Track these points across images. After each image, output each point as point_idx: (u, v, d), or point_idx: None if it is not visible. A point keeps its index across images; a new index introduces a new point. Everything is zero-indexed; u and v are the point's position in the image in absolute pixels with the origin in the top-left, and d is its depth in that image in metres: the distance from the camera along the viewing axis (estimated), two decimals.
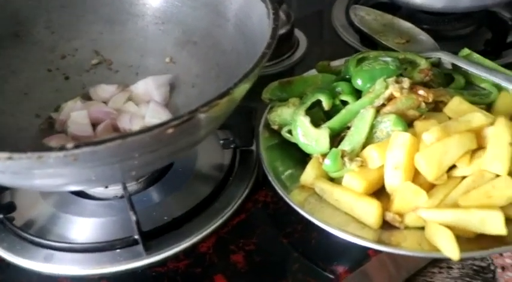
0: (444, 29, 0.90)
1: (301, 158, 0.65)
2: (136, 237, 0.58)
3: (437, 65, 0.75)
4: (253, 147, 0.69)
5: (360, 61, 0.68)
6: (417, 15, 0.90)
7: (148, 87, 0.70)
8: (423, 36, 0.81)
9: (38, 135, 0.67)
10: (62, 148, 0.42)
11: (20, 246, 0.60)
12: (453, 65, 0.74)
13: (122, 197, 0.63)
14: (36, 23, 0.72)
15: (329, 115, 0.65)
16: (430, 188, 0.58)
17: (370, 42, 0.85)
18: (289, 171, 0.64)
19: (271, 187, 0.62)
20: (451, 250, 0.52)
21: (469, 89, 0.72)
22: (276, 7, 0.59)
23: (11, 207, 0.63)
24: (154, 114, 0.66)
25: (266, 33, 0.56)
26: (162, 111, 0.67)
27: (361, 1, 0.98)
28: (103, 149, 0.43)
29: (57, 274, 0.59)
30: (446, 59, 0.74)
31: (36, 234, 0.61)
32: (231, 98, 0.48)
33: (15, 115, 0.67)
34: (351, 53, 0.72)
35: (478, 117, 0.59)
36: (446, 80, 0.72)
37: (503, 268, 0.66)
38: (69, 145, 0.42)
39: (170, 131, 0.45)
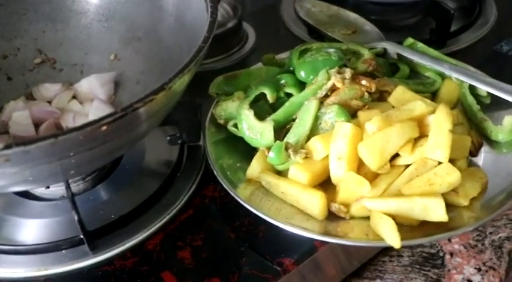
0: (391, 19, 0.91)
1: (248, 152, 0.65)
2: (81, 236, 0.57)
3: (382, 55, 0.76)
4: (201, 143, 0.69)
5: (303, 53, 0.68)
6: (364, 6, 0.91)
7: (92, 85, 0.70)
8: (368, 26, 0.81)
9: None
10: None
11: None
12: (398, 54, 0.75)
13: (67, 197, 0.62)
14: None
15: (274, 108, 0.65)
16: (374, 177, 0.58)
17: (319, 35, 0.85)
18: (236, 166, 0.64)
19: (218, 182, 0.62)
20: (392, 238, 0.53)
21: (414, 78, 0.73)
22: (214, 1, 0.59)
23: None
24: (97, 112, 0.66)
25: (205, 26, 0.56)
26: (106, 108, 0.67)
27: None
28: (35, 148, 0.42)
29: (1, 277, 0.58)
30: (391, 48, 0.75)
31: None
32: (167, 93, 0.48)
33: None
34: (298, 43, 0.72)
35: (420, 105, 0.60)
36: (392, 69, 0.73)
37: (451, 254, 0.67)
38: None
39: (104, 128, 0.44)
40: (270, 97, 0.64)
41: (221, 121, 0.67)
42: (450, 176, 0.56)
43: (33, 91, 0.71)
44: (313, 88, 0.62)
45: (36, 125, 0.66)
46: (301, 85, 0.65)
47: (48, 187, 0.62)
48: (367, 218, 0.57)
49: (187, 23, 0.63)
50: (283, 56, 0.74)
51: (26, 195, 0.64)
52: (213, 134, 0.67)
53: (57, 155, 0.45)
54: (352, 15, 0.84)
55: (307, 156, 0.60)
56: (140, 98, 0.46)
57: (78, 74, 0.73)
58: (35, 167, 0.46)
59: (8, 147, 0.42)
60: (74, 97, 0.70)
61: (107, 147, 0.50)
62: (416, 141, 0.59)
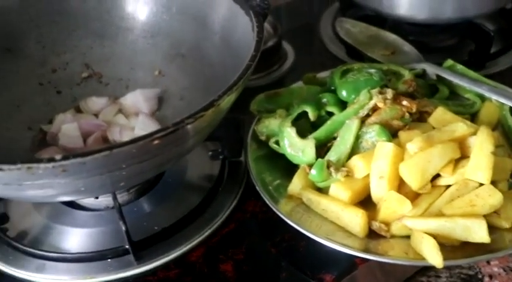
0: (429, 40, 0.92)
1: (288, 168, 0.66)
2: (126, 247, 0.59)
3: (422, 75, 0.76)
4: (242, 158, 0.70)
5: (344, 73, 0.69)
6: (403, 27, 0.91)
7: (137, 99, 0.72)
8: (407, 47, 0.82)
9: (31, 147, 0.69)
10: (50, 159, 0.43)
11: (13, 256, 0.61)
12: (437, 75, 0.75)
13: (113, 207, 0.64)
14: (28, 38, 0.73)
15: (315, 126, 0.66)
16: (415, 197, 0.59)
17: (357, 54, 0.86)
18: (277, 182, 0.65)
19: (259, 197, 0.63)
20: (435, 258, 0.53)
21: (454, 99, 0.73)
22: (261, 20, 0.60)
23: (3, 218, 0.64)
24: (143, 126, 0.68)
25: (251, 46, 0.57)
26: (151, 123, 0.69)
27: (348, 14, 1.00)
28: (91, 160, 0.44)
29: None
30: (431, 70, 0.76)
31: (29, 245, 0.62)
32: (216, 109, 0.50)
33: (8, 127, 0.69)
34: (338, 64, 0.73)
35: (461, 127, 0.61)
36: (431, 90, 0.74)
37: (490, 277, 0.67)
38: (58, 156, 0.43)
39: (156, 142, 0.46)
40: (312, 115, 0.65)
41: (263, 138, 0.69)
42: (492, 197, 0.56)
43: (81, 104, 0.73)
44: (355, 107, 0.63)
45: (84, 137, 0.68)
46: (342, 104, 0.67)
47: (97, 197, 0.64)
48: (408, 237, 0.58)
49: (233, 42, 0.65)
50: (323, 75, 0.75)
51: (71, 204, 0.66)
52: (254, 150, 0.68)
53: (110, 167, 0.47)
54: (391, 36, 0.84)
55: (348, 175, 0.61)
56: (191, 114, 0.48)
57: (124, 89, 0.75)
58: (88, 177, 0.48)
59: (65, 158, 0.43)
60: (120, 111, 0.73)
61: (156, 161, 0.51)
62: (457, 162, 0.59)
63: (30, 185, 0.47)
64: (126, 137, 0.67)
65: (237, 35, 0.64)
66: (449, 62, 0.77)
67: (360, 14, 0.98)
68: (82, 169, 0.45)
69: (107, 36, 0.76)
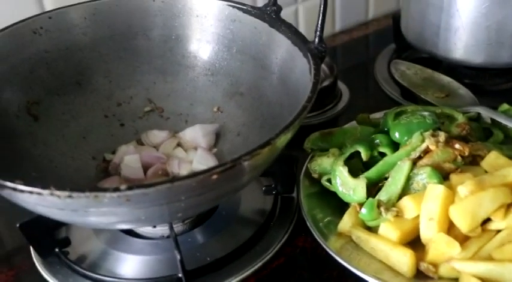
0: (485, 83, 0.93)
1: (339, 206, 0.68)
2: (180, 275, 0.61)
3: (476, 119, 0.77)
4: (294, 195, 0.72)
5: (398, 114, 0.70)
6: (458, 70, 0.92)
7: (196, 134, 0.75)
8: (462, 90, 0.83)
9: (94, 175, 0.72)
10: (116, 189, 0.46)
11: (73, 279, 0.64)
12: (492, 119, 0.76)
13: (168, 237, 0.67)
14: (96, 73, 0.77)
15: (367, 166, 0.68)
16: (464, 240, 0.59)
17: (411, 96, 0.87)
18: (327, 219, 0.67)
19: (310, 233, 0.65)
20: None
21: (508, 143, 0.73)
22: (318, 63, 0.63)
23: (66, 241, 0.67)
24: (201, 160, 0.70)
25: (307, 87, 0.60)
26: (209, 157, 0.71)
27: (404, 55, 1.01)
28: (153, 191, 0.47)
29: None
30: (485, 113, 0.76)
31: (88, 268, 0.65)
32: (272, 147, 0.52)
33: (74, 157, 0.72)
34: (392, 105, 0.75)
35: None
36: (485, 134, 0.74)
37: None
38: (123, 187, 0.46)
39: (215, 177, 0.48)
40: (364, 155, 0.67)
41: (315, 175, 0.71)
42: None
43: (142, 137, 0.77)
44: (407, 149, 0.65)
45: (145, 168, 0.71)
46: (395, 145, 0.68)
47: (154, 226, 0.66)
48: (456, 279, 0.58)
49: (290, 82, 0.67)
50: (377, 115, 0.77)
51: (129, 232, 0.69)
52: (306, 187, 0.70)
53: (170, 198, 0.50)
54: (446, 79, 0.86)
55: (398, 215, 0.62)
56: (248, 152, 0.50)
57: (183, 123, 0.79)
58: (149, 207, 0.51)
59: (130, 188, 0.46)
60: (179, 144, 0.76)
61: (213, 194, 0.54)
62: (509, 207, 0.60)
63: (95, 212, 0.50)
64: (184, 170, 0.70)
65: (294, 76, 0.67)
66: (505, 106, 0.77)
67: (415, 56, 0.99)
68: (144, 199, 0.48)
69: (169, 73, 0.80)
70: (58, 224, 0.65)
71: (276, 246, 0.67)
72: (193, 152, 0.73)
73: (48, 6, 0.87)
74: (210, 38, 0.78)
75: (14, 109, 0.70)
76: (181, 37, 0.79)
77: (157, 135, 0.76)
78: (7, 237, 0.73)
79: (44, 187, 0.47)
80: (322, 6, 0.64)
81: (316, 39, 0.65)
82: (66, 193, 0.46)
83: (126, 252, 0.67)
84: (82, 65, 0.77)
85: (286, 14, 1.03)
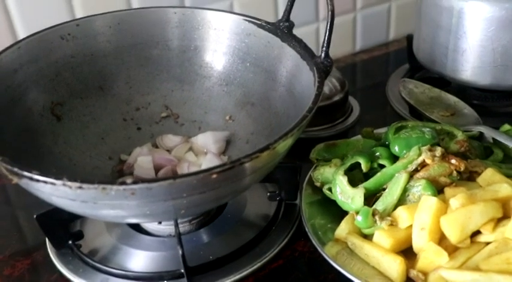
0: (492, 105, 0.95)
1: (338, 214, 0.71)
2: (182, 271, 0.65)
3: (478, 138, 0.80)
4: (297, 202, 0.76)
5: (398, 129, 0.74)
6: (467, 91, 0.95)
7: (207, 140, 0.79)
8: (467, 110, 0.86)
9: (110, 175, 0.77)
10: (122, 183, 0.50)
11: (83, 269, 0.69)
12: (494, 139, 0.78)
13: (174, 236, 0.71)
14: (118, 79, 0.82)
15: (367, 177, 0.71)
16: (454, 250, 0.62)
17: (418, 114, 0.90)
18: (327, 226, 0.70)
19: (309, 239, 0.68)
20: None
21: (508, 162, 0.76)
22: (322, 76, 0.66)
23: (79, 235, 0.72)
24: (209, 164, 0.74)
25: (311, 98, 0.63)
26: (217, 162, 0.75)
27: (416, 75, 1.04)
28: (156, 186, 0.51)
29: None
30: (487, 133, 0.79)
31: (98, 261, 0.69)
32: (271, 152, 0.55)
33: (92, 156, 0.77)
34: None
35: (505, 188, 0.64)
36: (486, 152, 0.77)
37: None
38: (129, 181, 0.51)
39: (214, 176, 0.52)
40: (364, 166, 0.70)
41: (317, 184, 0.74)
42: None
43: (157, 140, 0.81)
44: (405, 162, 0.68)
45: (156, 169, 0.75)
46: (394, 158, 0.71)
47: (160, 223, 0.70)
48: None
49: (297, 94, 0.71)
50: (381, 130, 0.80)
51: (138, 229, 0.73)
52: (309, 195, 0.73)
53: (173, 195, 0.54)
54: (453, 99, 0.88)
55: (392, 224, 0.65)
56: (247, 154, 0.54)
57: (196, 130, 0.83)
58: (153, 203, 0.55)
59: (135, 183, 0.51)
60: (191, 149, 0.80)
61: (215, 194, 0.58)
62: (499, 221, 0.62)
63: (103, 205, 0.55)
64: None
65: (300, 88, 0.70)
66: (507, 126, 0.80)
67: (427, 76, 1.02)
68: (148, 194, 0.52)
69: (186, 82, 0.84)
70: (72, 217, 0.69)
71: (275, 248, 0.70)
72: (203, 157, 0.77)
73: (79, 14, 0.92)
74: (226, 50, 0.82)
75: (38, 108, 0.74)
76: (199, 48, 0.83)
77: (171, 139, 0.80)
78: (25, 229, 0.78)
79: (57, 178, 0.51)
80: (328, 24, 0.68)
81: (323, 54, 0.69)
82: (77, 184, 0.51)
83: (135, 247, 0.71)
84: (105, 70, 0.81)
85: (307, 32, 1.08)
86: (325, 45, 0.69)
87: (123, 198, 0.52)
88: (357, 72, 1.18)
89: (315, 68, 0.67)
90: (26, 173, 0.52)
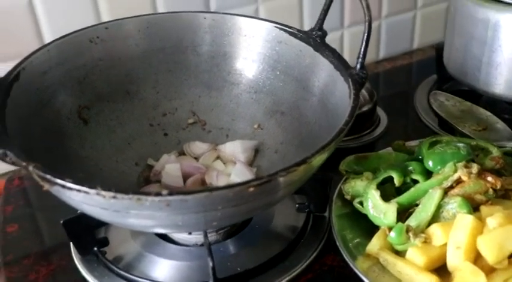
0: None
1: (369, 228, 0.69)
2: None
3: None
4: (326, 214, 0.74)
5: (433, 144, 0.72)
6: (498, 104, 0.93)
7: (236, 149, 0.77)
8: (500, 125, 0.84)
9: (136, 181, 0.76)
10: (158, 193, 0.49)
11: (108, 277, 0.68)
12: None
13: (201, 245, 0.70)
14: (145, 83, 0.81)
15: (400, 191, 0.69)
16: (490, 271, 0.60)
17: (448, 127, 0.89)
18: (356, 240, 0.68)
19: (338, 252, 0.67)
20: None
21: None
22: (357, 88, 0.65)
23: (105, 241, 0.71)
24: (239, 174, 0.73)
25: (346, 110, 0.62)
26: (246, 171, 0.74)
27: (445, 87, 1.03)
28: (192, 198, 0.50)
29: None
30: None
31: (123, 269, 0.68)
32: (307, 166, 0.54)
33: (118, 161, 0.76)
34: (429, 134, 0.77)
35: None
36: None
37: None
38: (164, 192, 0.49)
39: (251, 189, 0.51)
40: (397, 181, 0.69)
41: (348, 197, 0.73)
42: None
43: (184, 147, 0.80)
44: (440, 178, 0.66)
45: (184, 177, 0.74)
46: (428, 174, 0.69)
47: (190, 233, 0.69)
48: None
49: (330, 105, 0.70)
50: (412, 143, 0.79)
51: (164, 237, 0.72)
52: (338, 207, 0.72)
53: (207, 207, 0.52)
54: (485, 113, 0.87)
55: (426, 241, 0.63)
56: (284, 168, 0.53)
57: (224, 137, 0.81)
58: (187, 214, 0.54)
59: (171, 194, 0.49)
60: (218, 157, 0.79)
61: (248, 207, 0.56)
62: None
63: (135, 214, 0.53)
64: (221, 182, 0.73)
65: (334, 99, 0.69)
66: None
67: (456, 88, 1.01)
68: (183, 206, 0.51)
69: (214, 88, 0.83)
70: (99, 224, 0.68)
71: (305, 262, 0.69)
72: (232, 166, 0.76)
73: (105, 18, 0.91)
74: (256, 57, 0.81)
75: (66, 112, 0.73)
76: (229, 54, 0.82)
77: (199, 147, 0.79)
78: (50, 234, 0.77)
79: (91, 186, 0.50)
80: (366, 34, 0.67)
81: (358, 66, 0.67)
82: (111, 194, 0.50)
83: (161, 256, 0.70)
84: (132, 74, 0.80)
85: (331, 39, 1.07)
86: (361, 56, 0.67)
87: (157, 209, 0.51)
88: (379, 81, 1.17)
89: (350, 79, 0.66)
90: (59, 181, 0.51)
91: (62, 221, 0.67)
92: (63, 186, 0.51)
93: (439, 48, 1.02)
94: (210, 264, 0.62)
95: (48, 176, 0.52)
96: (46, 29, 0.88)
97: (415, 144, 0.78)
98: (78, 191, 0.51)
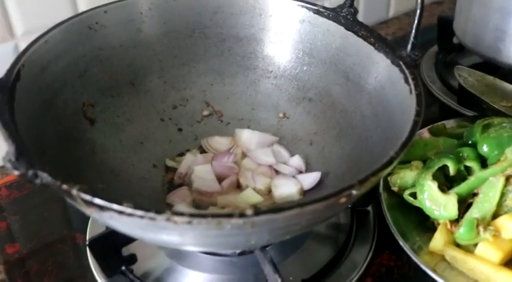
0: None
1: (419, 221, 0.64)
2: None
3: None
4: (369, 208, 0.68)
5: (485, 127, 0.67)
6: None
7: (250, 139, 0.71)
8: None
9: (160, 186, 0.67)
10: (241, 215, 0.41)
11: None
12: None
13: (240, 254, 0.62)
14: (150, 72, 0.72)
15: (450, 180, 0.64)
16: None
17: (469, 103, 0.84)
18: (412, 235, 0.63)
19: (393, 250, 0.61)
20: None
21: None
22: (414, 72, 0.58)
23: (133, 259, 0.62)
24: (283, 182, 0.66)
25: (401, 98, 0.56)
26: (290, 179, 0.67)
27: (448, 58, 0.98)
28: (282, 217, 0.42)
29: None
30: None
31: None
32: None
33: (135, 164, 0.67)
34: (448, 112, 0.79)
35: None
36: None
37: None
38: (249, 212, 0.42)
39: (343, 200, 0.44)
40: (453, 169, 0.63)
41: (395, 188, 0.67)
42: None
43: (203, 142, 0.72)
44: (504, 165, 0.61)
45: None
46: (481, 159, 0.65)
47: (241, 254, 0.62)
48: None
49: (373, 91, 0.63)
50: (448, 125, 0.74)
51: None
52: (385, 200, 0.66)
53: (292, 222, 0.45)
54: (509, 87, 0.83)
55: (495, 234, 0.59)
56: (367, 175, 0.46)
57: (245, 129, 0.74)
58: (260, 233, 0.46)
59: (257, 214, 0.42)
60: (243, 154, 0.71)
61: (316, 219, 0.50)
62: None
63: (195, 235, 0.46)
64: (259, 183, 0.65)
65: (378, 84, 0.62)
66: None
67: (467, 63, 0.96)
68: (268, 225, 0.44)
69: (227, 74, 0.75)
70: (127, 241, 0.60)
71: (361, 266, 0.63)
72: (261, 167, 0.68)
73: (82, 8, 0.81)
74: (274, 38, 0.73)
75: (70, 112, 0.64)
76: (241, 36, 0.74)
77: (219, 142, 0.71)
78: (66, 252, 0.68)
79: (158, 212, 0.42)
80: (418, 11, 0.60)
81: (409, 46, 0.61)
82: (186, 219, 0.41)
83: (194, 269, 0.62)
84: (135, 63, 0.71)
85: None
86: (412, 36, 0.61)
87: (236, 232, 0.44)
88: None
89: (401, 62, 0.59)
90: (115, 206, 0.42)
91: (87, 242, 0.58)
92: (121, 213, 0.43)
93: (442, 20, 0.97)
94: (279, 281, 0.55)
95: (97, 200, 0.43)
96: (17, 23, 0.76)
97: (451, 125, 0.73)
98: (141, 217, 0.42)
